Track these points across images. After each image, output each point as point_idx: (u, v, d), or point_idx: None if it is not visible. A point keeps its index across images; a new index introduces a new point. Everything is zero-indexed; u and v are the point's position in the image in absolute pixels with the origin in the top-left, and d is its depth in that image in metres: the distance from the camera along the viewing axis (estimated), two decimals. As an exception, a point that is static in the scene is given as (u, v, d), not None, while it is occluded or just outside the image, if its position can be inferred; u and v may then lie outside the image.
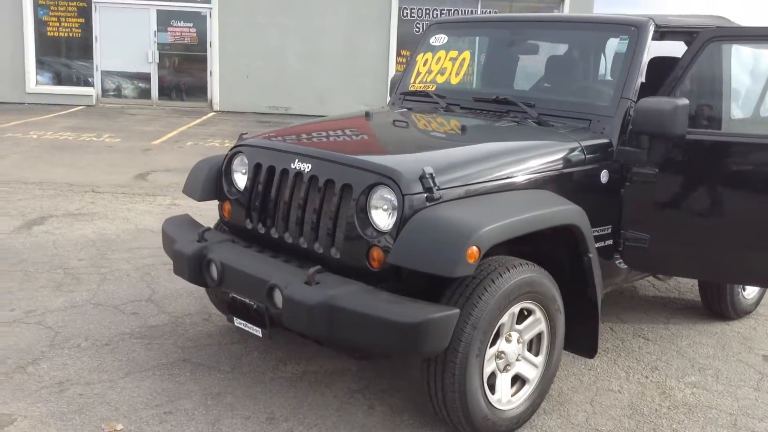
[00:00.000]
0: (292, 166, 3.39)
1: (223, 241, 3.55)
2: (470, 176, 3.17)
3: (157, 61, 16.72)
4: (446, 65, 4.51)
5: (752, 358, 4.30)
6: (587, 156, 3.61)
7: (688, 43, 4.33)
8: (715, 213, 3.72)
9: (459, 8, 16.57)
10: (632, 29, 3.84)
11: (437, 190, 3.00)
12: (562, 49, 4.37)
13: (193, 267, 3.47)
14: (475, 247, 2.80)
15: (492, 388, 3.18)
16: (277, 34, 16.51)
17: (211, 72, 16.82)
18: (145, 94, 16.95)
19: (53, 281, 4.96)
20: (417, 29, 16.69)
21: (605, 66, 4.09)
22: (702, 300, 4.91)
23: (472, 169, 3.21)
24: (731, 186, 3.69)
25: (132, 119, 14.65)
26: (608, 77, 3.98)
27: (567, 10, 16.55)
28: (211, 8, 16.47)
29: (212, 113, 16.41)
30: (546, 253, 3.44)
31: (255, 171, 3.59)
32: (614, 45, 3.97)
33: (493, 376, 3.19)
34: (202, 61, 16.92)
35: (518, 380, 3.32)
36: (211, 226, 4.07)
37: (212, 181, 3.85)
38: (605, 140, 3.70)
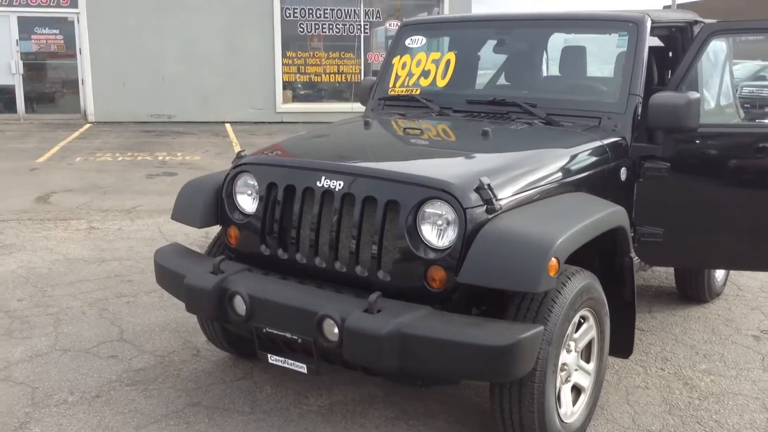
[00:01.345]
0: (319, 184, 3.11)
1: (240, 271, 3.22)
2: (519, 183, 3.04)
3: (21, 72, 15.43)
4: (429, 67, 4.34)
5: (744, 339, 4.45)
6: (610, 154, 3.57)
7: (661, 38, 4.42)
8: (728, 202, 3.79)
9: (342, 7, 16.40)
10: (631, 25, 3.84)
11: (496, 201, 2.85)
12: (557, 47, 4.31)
13: (215, 302, 3.12)
14: (554, 259, 2.67)
15: (558, 402, 3.07)
16: (152, 37, 15.67)
17: (82, 81, 15.74)
18: (10, 107, 15.61)
19: (0, 328, 4.37)
20: (301, 30, 16.38)
21: (604, 63, 4.07)
22: (678, 286, 5.04)
23: (518, 175, 3.08)
24: (742, 176, 3.78)
25: (1, 136, 13.44)
26: (609, 74, 3.96)
27: (446, 10, 16.77)
28: (78, 13, 15.39)
29: (88, 125, 15.36)
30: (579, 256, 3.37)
31: (268, 191, 3.28)
32: (614, 41, 3.95)
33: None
34: (72, 69, 15.80)
35: (574, 390, 3.23)
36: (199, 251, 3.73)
37: (212, 204, 3.49)
38: (620, 137, 3.67)
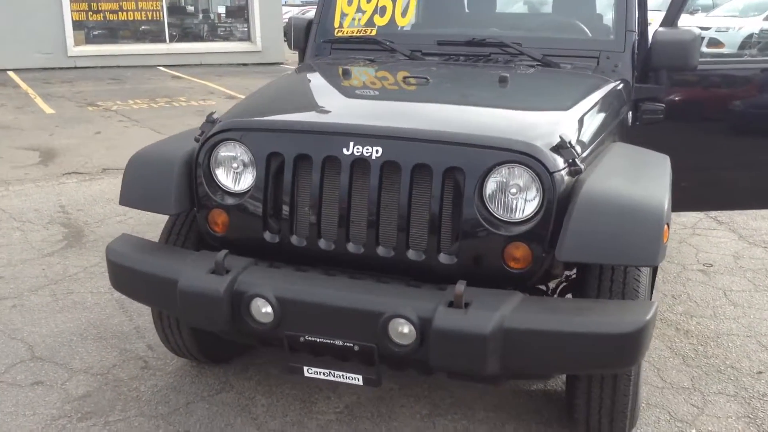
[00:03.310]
0: (347, 152, 2.50)
1: (249, 267, 2.55)
2: (583, 138, 2.66)
3: None
4: (385, 3, 3.75)
5: (695, 275, 4.49)
6: (625, 97, 3.29)
7: None
8: (726, 142, 3.69)
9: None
10: (621, -45, 3.53)
11: (579, 161, 2.44)
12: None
13: (227, 310, 2.44)
14: (666, 226, 2.34)
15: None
16: None
17: None
18: None
19: None
20: (91, -40, 14.47)
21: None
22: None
23: (579, 129, 2.69)
24: (741, 115, 3.69)
25: None
26: (598, 10, 3.65)
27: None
28: None
29: None
30: None
31: (268, 163, 2.61)
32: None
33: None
34: None
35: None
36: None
37: (186, 183, 2.73)
38: (623, 79, 3.39)
